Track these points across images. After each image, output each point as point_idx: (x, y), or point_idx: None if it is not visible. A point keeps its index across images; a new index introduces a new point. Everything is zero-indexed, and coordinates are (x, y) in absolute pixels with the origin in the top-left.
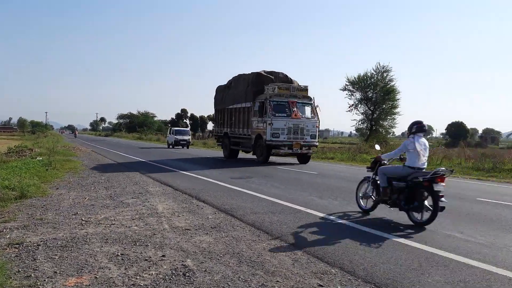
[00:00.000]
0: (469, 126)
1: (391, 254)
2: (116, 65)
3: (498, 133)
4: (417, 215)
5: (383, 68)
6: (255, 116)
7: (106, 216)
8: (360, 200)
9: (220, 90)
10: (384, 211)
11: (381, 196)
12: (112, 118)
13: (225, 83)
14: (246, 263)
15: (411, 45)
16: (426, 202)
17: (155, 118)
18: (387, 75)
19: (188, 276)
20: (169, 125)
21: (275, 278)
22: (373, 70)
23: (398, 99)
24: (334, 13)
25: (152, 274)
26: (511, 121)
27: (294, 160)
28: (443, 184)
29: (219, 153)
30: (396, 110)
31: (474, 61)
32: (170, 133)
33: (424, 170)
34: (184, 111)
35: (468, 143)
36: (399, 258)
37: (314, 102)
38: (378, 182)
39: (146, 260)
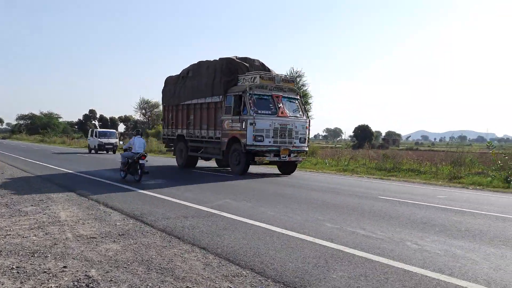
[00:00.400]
0: (373, 129)
1: (300, 253)
2: (15, 60)
3: (399, 135)
4: (135, 176)
5: (296, 73)
6: (227, 113)
7: (0, 226)
8: (121, 172)
9: (171, 82)
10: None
11: (122, 168)
12: (10, 119)
13: (178, 73)
14: (155, 270)
15: (323, 51)
16: (139, 170)
17: (60, 120)
18: (300, 80)
19: (91, 287)
20: (76, 126)
21: (185, 283)
22: (287, 74)
23: (310, 103)
24: (246, 17)
25: (51, 287)
26: (409, 125)
27: (272, 170)
28: (146, 160)
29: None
30: (309, 114)
31: (380, 70)
32: (92, 135)
33: (138, 153)
34: (92, 112)
35: (373, 145)
36: (307, 257)
37: (301, 97)
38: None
39: (45, 272)
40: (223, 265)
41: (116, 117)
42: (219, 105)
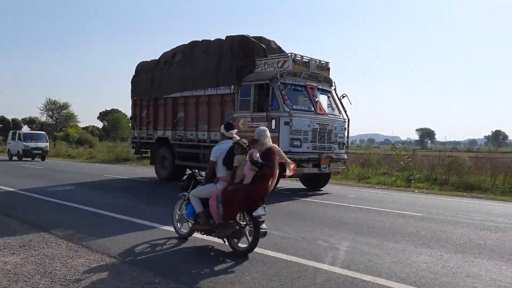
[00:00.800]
0: None
1: (216, 258)
2: None
3: None
4: None
5: None
6: (244, 109)
7: None
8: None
9: (147, 70)
10: None
11: None
12: None
13: (157, 57)
14: (59, 282)
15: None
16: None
17: None
18: None
19: None
20: None
21: None
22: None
23: None
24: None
25: None
26: None
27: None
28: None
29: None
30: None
31: None
32: (14, 139)
33: None
34: None
35: None
36: (222, 261)
37: (336, 88)
38: None
39: None
40: (135, 273)
41: (20, 118)
42: (228, 98)
